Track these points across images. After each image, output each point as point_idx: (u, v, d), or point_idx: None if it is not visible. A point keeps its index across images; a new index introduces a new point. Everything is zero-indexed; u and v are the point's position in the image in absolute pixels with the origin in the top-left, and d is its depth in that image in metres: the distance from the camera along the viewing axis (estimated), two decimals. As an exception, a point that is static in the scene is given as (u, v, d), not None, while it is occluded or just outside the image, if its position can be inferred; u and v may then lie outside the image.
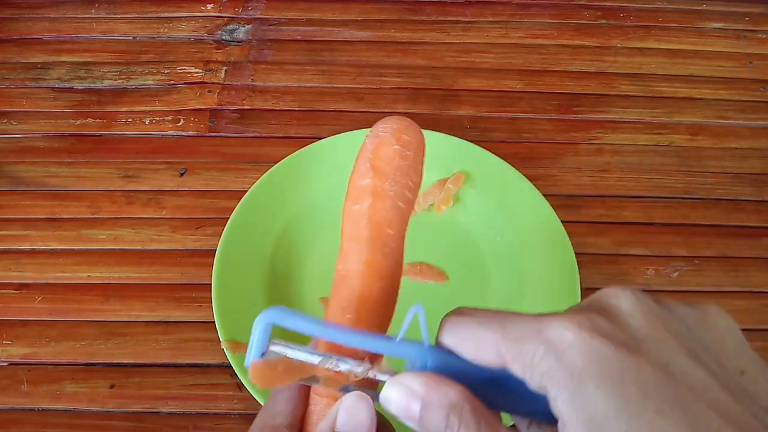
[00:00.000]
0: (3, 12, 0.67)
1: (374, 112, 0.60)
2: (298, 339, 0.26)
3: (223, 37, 0.65)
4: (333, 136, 0.54)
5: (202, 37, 0.65)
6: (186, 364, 0.47)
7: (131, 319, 0.49)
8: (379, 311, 0.30)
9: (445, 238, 0.52)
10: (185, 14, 0.67)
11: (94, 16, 0.67)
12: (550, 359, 0.22)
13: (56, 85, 0.62)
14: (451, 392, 0.23)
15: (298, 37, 0.66)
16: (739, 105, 0.62)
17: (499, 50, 0.65)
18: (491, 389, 0.24)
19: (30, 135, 0.58)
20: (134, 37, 0.65)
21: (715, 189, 0.56)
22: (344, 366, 0.26)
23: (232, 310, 0.46)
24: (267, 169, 0.52)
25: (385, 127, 0.35)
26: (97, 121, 0.59)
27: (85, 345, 0.48)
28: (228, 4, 0.68)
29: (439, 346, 0.26)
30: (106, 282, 0.50)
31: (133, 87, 0.61)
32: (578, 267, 0.48)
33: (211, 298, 0.46)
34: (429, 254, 0.51)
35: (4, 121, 0.59)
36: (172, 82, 0.62)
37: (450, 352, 0.25)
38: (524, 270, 0.49)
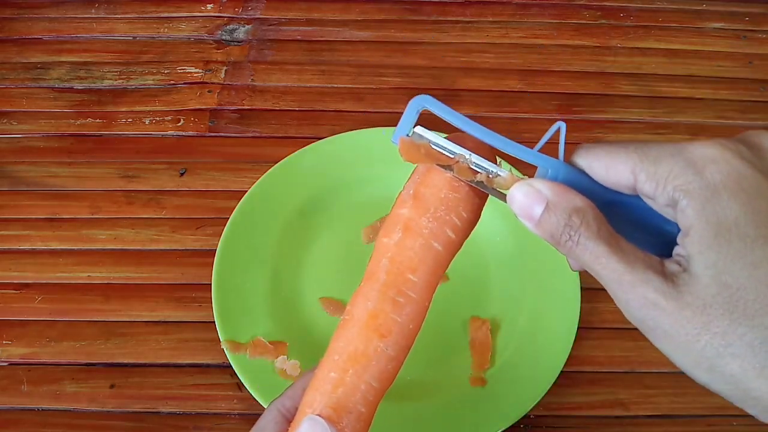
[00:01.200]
0: (3, 12, 0.67)
1: (374, 112, 0.60)
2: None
3: (223, 37, 0.65)
4: (333, 136, 0.55)
5: (202, 37, 0.65)
6: (186, 364, 0.47)
7: (131, 319, 0.49)
8: (371, 370, 0.28)
9: (445, 238, 0.52)
10: (185, 14, 0.67)
11: (94, 16, 0.67)
12: (689, 173, 0.22)
13: (56, 85, 0.62)
14: (577, 199, 0.24)
15: (298, 37, 0.66)
16: (739, 105, 0.62)
17: (499, 50, 0.65)
18: (613, 214, 0.25)
19: (30, 135, 0.58)
20: (134, 37, 0.65)
21: (715, 189, 0.56)
22: (478, 162, 0.27)
23: (232, 310, 0.46)
24: (267, 169, 0.52)
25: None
26: (97, 121, 0.59)
27: (85, 345, 0.48)
28: (228, 4, 0.68)
29: (571, 164, 0.26)
30: (106, 282, 0.50)
31: (133, 87, 0.61)
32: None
33: (211, 298, 0.46)
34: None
35: (4, 121, 0.59)
36: (172, 82, 0.62)
37: (582, 172, 0.26)
38: (524, 270, 0.49)
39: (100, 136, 0.58)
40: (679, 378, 0.46)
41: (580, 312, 0.46)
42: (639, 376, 0.47)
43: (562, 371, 0.44)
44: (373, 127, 0.55)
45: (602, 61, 0.65)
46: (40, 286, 0.50)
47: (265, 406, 0.42)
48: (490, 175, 0.28)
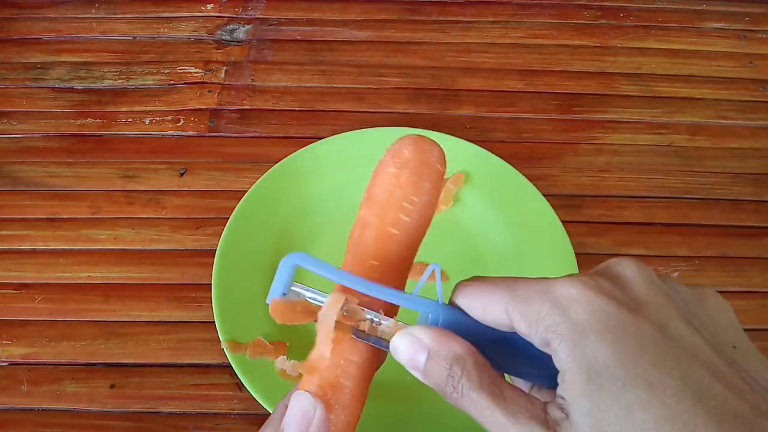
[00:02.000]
0: (3, 12, 0.67)
1: (374, 112, 0.60)
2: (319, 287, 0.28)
3: (223, 37, 0.65)
4: (333, 136, 0.55)
5: (202, 37, 0.65)
6: (186, 364, 0.47)
7: (131, 319, 0.49)
8: (346, 346, 0.29)
9: (445, 238, 0.52)
10: (185, 14, 0.67)
11: (94, 16, 0.67)
12: (555, 314, 0.23)
13: (56, 85, 0.62)
14: (457, 346, 0.25)
15: (298, 37, 0.66)
16: (739, 105, 0.62)
17: (499, 50, 0.65)
18: (498, 351, 0.25)
19: (30, 135, 0.58)
20: (134, 37, 0.65)
21: (715, 189, 0.56)
22: (360, 313, 0.27)
23: (232, 310, 0.46)
24: (267, 169, 0.52)
25: (389, 150, 0.33)
26: (97, 121, 0.59)
27: (85, 345, 0.48)
28: (228, 4, 0.68)
29: (451, 305, 0.27)
30: (106, 282, 0.50)
31: (133, 87, 0.61)
32: (578, 267, 0.48)
33: (211, 298, 0.46)
34: (429, 254, 0.51)
35: (4, 121, 0.59)
36: (172, 82, 0.62)
37: (461, 312, 0.26)
38: (524, 270, 0.49)
39: (100, 136, 0.58)
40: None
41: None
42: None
43: (562, 371, 0.44)
44: (373, 127, 0.55)
45: (602, 61, 0.65)
46: (40, 286, 0.50)
47: (265, 406, 0.42)
48: (374, 324, 0.27)
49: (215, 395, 0.46)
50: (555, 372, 0.23)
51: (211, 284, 0.47)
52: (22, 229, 0.53)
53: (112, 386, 0.46)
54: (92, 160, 0.57)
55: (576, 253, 0.48)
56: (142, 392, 0.46)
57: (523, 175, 0.52)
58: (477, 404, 0.24)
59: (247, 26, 0.66)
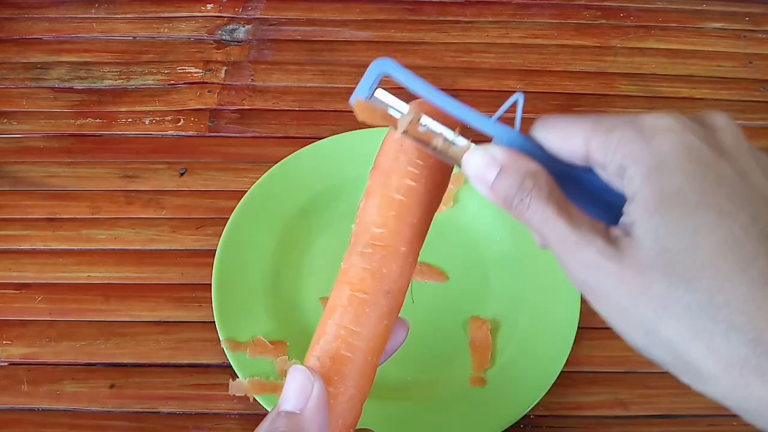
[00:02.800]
0: (3, 12, 0.67)
1: (382, 126, 0.60)
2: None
3: (223, 37, 0.65)
4: (333, 136, 0.55)
5: (202, 37, 0.65)
6: (186, 364, 0.47)
7: (131, 319, 0.49)
8: (347, 315, 0.29)
9: (445, 238, 0.52)
10: (185, 14, 0.67)
11: (94, 16, 0.67)
12: (639, 140, 0.23)
13: (56, 85, 0.62)
14: (531, 163, 0.25)
15: (298, 37, 0.66)
16: (739, 105, 0.62)
17: (499, 50, 0.65)
18: (566, 189, 0.25)
19: (30, 135, 0.58)
20: (134, 37, 0.65)
21: (715, 189, 0.56)
22: (436, 128, 0.27)
23: (232, 310, 0.46)
24: (267, 169, 0.52)
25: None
26: (97, 121, 0.59)
27: (85, 345, 0.48)
28: (228, 4, 0.68)
29: (527, 136, 0.27)
30: (106, 282, 0.50)
31: (133, 87, 0.61)
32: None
33: (211, 298, 0.46)
34: (429, 254, 0.51)
35: (4, 121, 0.59)
36: (172, 82, 0.62)
37: (537, 146, 0.26)
38: (524, 270, 0.49)
39: (100, 136, 0.58)
40: (679, 378, 0.46)
41: (580, 312, 0.46)
42: (639, 376, 0.47)
43: (562, 371, 0.44)
44: (372, 127, 0.55)
45: (602, 61, 0.65)
46: (40, 286, 0.50)
47: (265, 406, 0.42)
48: (447, 142, 0.27)
49: (215, 395, 0.46)
50: (618, 214, 0.24)
51: (211, 284, 0.47)
52: (22, 229, 0.53)
53: (112, 386, 0.46)
54: (92, 160, 0.57)
55: (576, 253, 0.48)
56: (142, 392, 0.46)
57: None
58: (542, 214, 0.24)
59: (247, 26, 0.66)
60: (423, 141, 0.27)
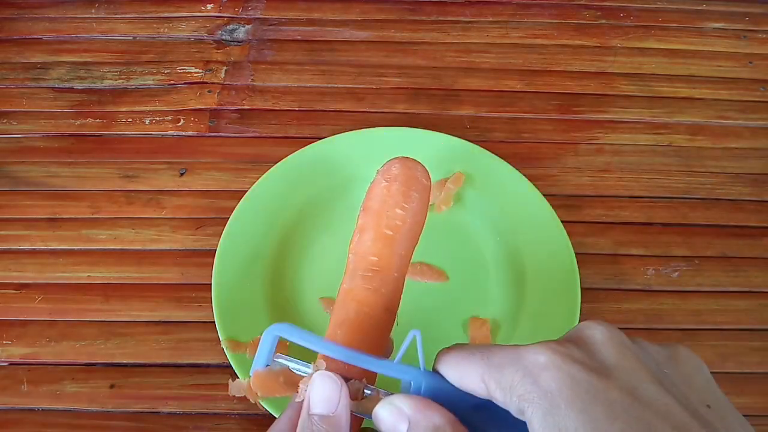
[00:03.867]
0: (3, 12, 0.67)
1: (374, 112, 0.60)
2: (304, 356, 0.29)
3: (223, 37, 0.65)
4: (332, 136, 0.55)
5: (202, 37, 0.65)
6: (186, 364, 0.47)
7: (131, 319, 0.49)
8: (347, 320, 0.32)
9: (445, 238, 0.52)
10: (185, 14, 0.67)
11: (94, 16, 0.67)
12: (527, 382, 0.23)
13: (56, 85, 0.62)
14: (437, 416, 0.25)
15: (298, 37, 0.66)
16: (739, 105, 0.62)
17: (499, 50, 0.65)
18: (478, 417, 0.26)
19: (30, 135, 0.58)
20: (134, 37, 0.65)
21: (715, 189, 0.56)
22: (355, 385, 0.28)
23: (232, 310, 0.46)
24: (267, 169, 0.52)
25: (379, 171, 0.39)
26: (97, 121, 0.59)
27: (85, 345, 0.48)
28: (228, 4, 0.68)
29: (432, 372, 0.27)
30: (106, 282, 0.50)
31: (133, 87, 0.61)
32: (578, 267, 0.48)
33: (211, 298, 0.46)
34: (429, 254, 0.51)
35: (4, 121, 0.59)
36: (172, 82, 0.62)
37: (443, 379, 0.27)
38: (524, 270, 0.49)
39: (100, 136, 0.58)
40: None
41: (580, 312, 0.46)
42: (639, 376, 0.47)
43: (562, 371, 0.44)
44: (373, 127, 0.55)
45: (602, 61, 0.65)
46: (40, 286, 0.50)
47: (265, 406, 0.42)
48: (357, 396, 0.28)
49: (215, 395, 0.46)
50: None
51: (211, 284, 0.47)
52: (22, 229, 0.53)
53: (112, 386, 0.46)
54: (92, 160, 0.57)
55: (576, 253, 0.48)
56: (142, 392, 0.46)
57: (523, 175, 0.52)
58: None
59: (247, 26, 0.66)
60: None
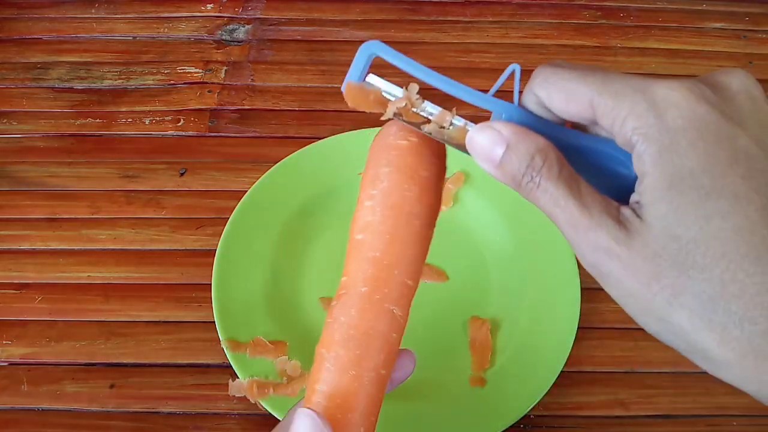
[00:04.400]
0: (3, 12, 0.67)
1: (374, 112, 0.60)
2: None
3: (223, 37, 0.65)
4: (333, 136, 0.55)
5: (202, 37, 0.65)
6: (186, 364, 0.47)
7: (131, 319, 0.49)
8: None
9: (445, 238, 0.51)
10: (185, 14, 0.67)
11: (94, 16, 0.67)
12: (650, 115, 0.22)
13: (56, 85, 0.62)
14: (540, 139, 0.24)
15: (298, 37, 0.66)
16: (739, 105, 0.62)
17: (499, 50, 0.65)
18: (571, 159, 0.24)
19: (30, 135, 0.58)
20: (134, 37, 0.65)
21: (715, 189, 0.56)
22: (431, 109, 0.27)
23: (232, 310, 0.46)
24: (267, 169, 0.52)
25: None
26: (97, 121, 0.59)
27: (85, 345, 0.48)
28: (228, 4, 0.68)
29: (526, 109, 0.26)
30: (106, 282, 0.50)
31: (133, 87, 0.61)
32: (578, 267, 0.48)
33: (211, 298, 0.46)
34: (429, 254, 0.51)
35: (4, 121, 0.59)
36: (172, 82, 0.62)
37: (536, 116, 0.25)
38: (524, 270, 0.49)
39: (100, 136, 0.58)
40: (679, 378, 0.46)
41: (580, 312, 0.46)
42: (639, 376, 0.47)
43: (562, 371, 0.44)
44: (373, 127, 0.55)
45: (602, 61, 0.65)
46: (40, 286, 0.50)
47: (265, 406, 0.42)
48: (444, 124, 0.27)
49: (215, 395, 0.46)
50: (627, 186, 0.23)
51: (211, 284, 0.47)
52: (22, 229, 0.53)
53: (112, 386, 0.46)
54: (92, 160, 0.57)
55: (576, 253, 0.48)
56: (142, 392, 0.46)
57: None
58: (553, 194, 0.23)
59: (247, 26, 0.66)
60: (418, 123, 0.27)
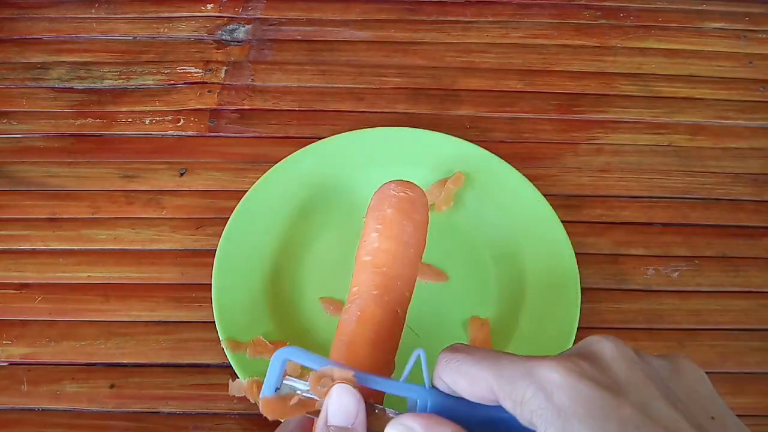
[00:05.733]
0: (3, 12, 0.67)
1: (374, 112, 0.60)
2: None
3: (223, 37, 0.65)
4: (333, 136, 0.55)
5: (202, 37, 0.65)
6: (186, 364, 0.47)
7: (131, 319, 0.49)
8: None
9: (445, 238, 0.52)
10: (185, 14, 0.67)
11: (94, 16, 0.67)
12: (540, 398, 0.24)
13: (56, 85, 0.62)
14: (448, 428, 0.25)
15: (298, 37, 0.66)
16: (739, 105, 0.62)
17: (499, 50, 0.65)
18: (486, 430, 0.26)
19: (30, 135, 0.58)
20: (134, 37, 0.65)
21: (715, 189, 0.56)
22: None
23: (232, 310, 0.46)
24: (267, 169, 0.52)
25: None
26: (97, 121, 0.59)
27: (85, 345, 0.48)
28: (228, 4, 0.68)
29: (437, 389, 0.28)
30: (106, 282, 0.50)
31: (133, 87, 0.61)
32: (578, 267, 0.48)
33: (211, 298, 0.46)
34: (429, 254, 0.51)
35: (4, 121, 0.59)
36: (172, 82, 0.62)
37: (448, 395, 0.27)
38: (524, 270, 0.49)
39: (100, 136, 0.58)
40: (679, 378, 0.46)
41: (580, 312, 0.46)
42: (639, 376, 0.47)
43: (562, 371, 0.44)
44: (373, 127, 0.55)
45: (602, 61, 0.65)
46: (40, 286, 0.50)
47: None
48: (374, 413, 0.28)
49: (215, 395, 0.46)
50: None
51: (211, 284, 0.47)
52: (22, 229, 0.53)
53: (112, 386, 0.46)
54: (92, 160, 0.57)
55: (576, 253, 0.48)
56: (142, 392, 0.46)
57: (523, 175, 0.52)
58: None
59: (247, 26, 0.66)
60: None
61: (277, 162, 0.53)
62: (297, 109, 0.60)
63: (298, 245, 0.51)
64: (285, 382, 0.28)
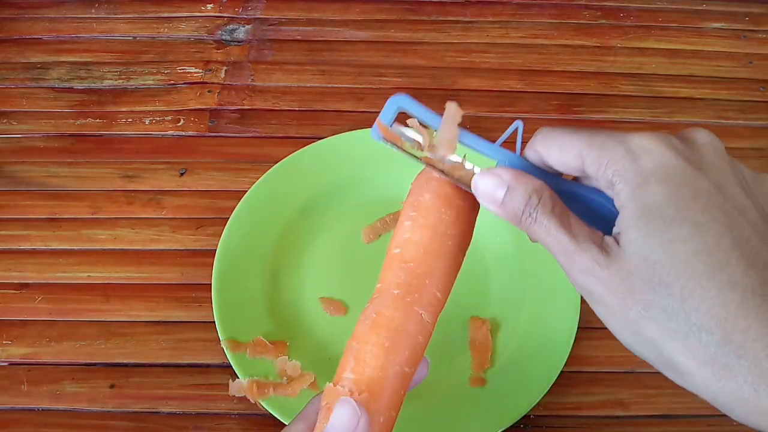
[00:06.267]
0: (3, 12, 0.67)
1: (374, 112, 0.59)
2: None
3: (223, 37, 0.65)
4: (333, 136, 0.55)
5: (202, 37, 0.65)
6: (186, 364, 0.47)
7: (131, 319, 0.49)
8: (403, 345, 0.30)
9: (445, 238, 0.52)
10: (185, 14, 0.67)
11: (94, 16, 0.67)
12: (627, 160, 0.26)
13: (56, 85, 0.62)
14: (535, 180, 0.28)
15: (298, 37, 0.66)
16: (739, 105, 0.62)
17: (499, 50, 0.65)
18: (564, 201, 0.28)
19: (30, 135, 0.58)
20: (134, 37, 0.65)
21: (715, 189, 0.56)
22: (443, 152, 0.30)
23: (232, 310, 0.46)
24: (267, 169, 0.52)
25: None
26: (97, 121, 0.59)
27: (85, 345, 0.48)
28: (228, 4, 0.68)
29: (526, 159, 0.30)
30: (106, 282, 0.50)
31: (133, 87, 0.61)
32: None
33: (211, 298, 0.46)
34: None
35: (4, 121, 0.59)
36: (172, 82, 0.62)
37: (535, 167, 0.30)
38: (524, 270, 0.49)
39: (100, 136, 0.58)
40: (679, 378, 0.46)
41: (580, 312, 0.46)
42: (639, 376, 0.47)
43: (562, 371, 0.44)
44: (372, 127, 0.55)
45: (602, 61, 0.65)
46: (40, 286, 0.50)
47: (265, 406, 0.42)
48: (457, 166, 0.30)
49: (215, 395, 0.46)
50: (611, 226, 0.26)
51: (211, 284, 0.47)
52: (22, 229, 0.53)
53: (112, 386, 0.46)
54: (92, 160, 0.57)
55: (576, 253, 0.48)
56: (142, 392, 0.46)
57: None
58: (546, 226, 0.27)
59: (247, 26, 0.66)
60: (434, 165, 0.31)
61: (277, 162, 0.53)
62: (297, 109, 0.60)
63: (298, 245, 0.51)
64: (393, 126, 0.30)
